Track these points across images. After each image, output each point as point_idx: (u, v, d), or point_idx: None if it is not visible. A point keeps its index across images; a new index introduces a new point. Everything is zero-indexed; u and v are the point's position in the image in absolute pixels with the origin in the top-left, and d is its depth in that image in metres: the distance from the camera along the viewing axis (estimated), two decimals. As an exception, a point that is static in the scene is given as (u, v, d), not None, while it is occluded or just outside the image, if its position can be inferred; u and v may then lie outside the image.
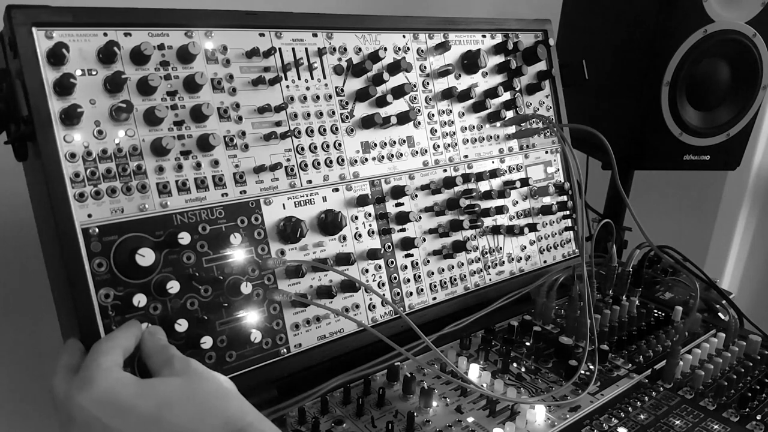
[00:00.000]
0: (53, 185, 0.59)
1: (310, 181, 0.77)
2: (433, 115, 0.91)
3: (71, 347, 0.58)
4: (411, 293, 0.86)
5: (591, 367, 0.79)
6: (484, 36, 0.97)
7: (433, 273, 0.89)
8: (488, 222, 0.95)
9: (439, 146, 0.91)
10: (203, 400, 0.52)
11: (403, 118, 0.85)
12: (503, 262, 0.98)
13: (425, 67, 0.90)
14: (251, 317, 0.70)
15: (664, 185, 1.67)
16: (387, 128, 0.85)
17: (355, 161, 0.82)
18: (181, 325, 0.64)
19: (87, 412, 0.50)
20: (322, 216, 0.77)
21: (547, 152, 1.06)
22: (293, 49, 0.77)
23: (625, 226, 1.27)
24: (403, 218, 0.85)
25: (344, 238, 0.80)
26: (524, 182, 0.98)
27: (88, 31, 0.63)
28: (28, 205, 0.69)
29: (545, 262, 1.04)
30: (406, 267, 0.86)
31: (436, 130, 0.91)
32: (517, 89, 1.00)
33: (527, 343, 0.85)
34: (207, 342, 0.66)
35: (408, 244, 0.85)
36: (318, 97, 0.79)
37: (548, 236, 1.05)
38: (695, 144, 1.19)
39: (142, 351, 0.58)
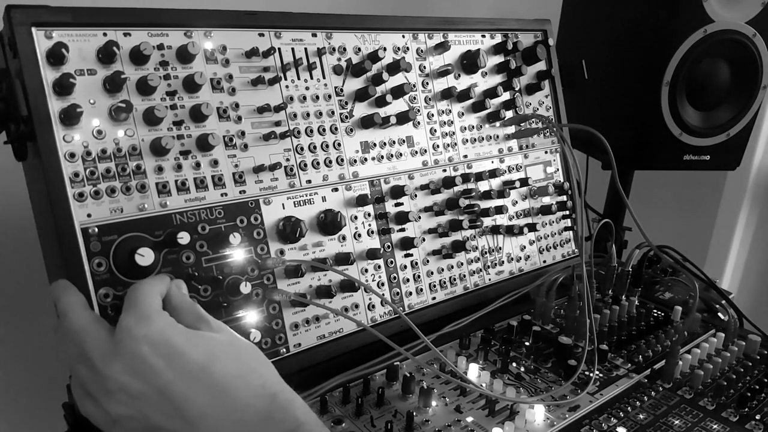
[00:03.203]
0: (53, 185, 0.59)
1: (309, 181, 0.78)
2: (432, 115, 0.91)
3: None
4: (410, 293, 0.86)
5: (592, 375, 0.78)
6: (483, 36, 0.97)
7: (432, 273, 0.89)
8: (488, 222, 0.95)
9: (438, 146, 0.91)
10: (246, 360, 0.55)
11: (403, 118, 0.85)
12: (503, 261, 0.98)
13: (425, 67, 0.90)
14: (250, 317, 0.70)
15: (664, 185, 1.67)
16: (386, 128, 0.85)
17: (355, 161, 0.82)
18: (181, 325, 0.64)
19: (139, 346, 0.51)
20: (322, 216, 0.77)
21: (546, 152, 1.06)
22: (293, 49, 0.77)
23: (625, 226, 1.27)
24: (402, 218, 0.85)
25: (344, 237, 0.80)
26: (524, 182, 0.98)
27: (87, 31, 0.63)
28: (28, 205, 0.69)
29: (545, 262, 1.04)
30: (405, 267, 0.86)
31: (435, 130, 0.91)
32: (517, 89, 1.00)
33: (526, 343, 0.85)
34: (206, 342, 0.66)
35: (407, 243, 0.85)
36: (317, 97, 0.79)
37: (548, 236, 1.05)
38: (695, 144, 1.19)
39: (170, 304, 0.58)
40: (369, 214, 0.83)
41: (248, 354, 0.57)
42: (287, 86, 0.76)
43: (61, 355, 0.55)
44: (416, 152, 0.88)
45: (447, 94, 0.91)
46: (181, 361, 0.51)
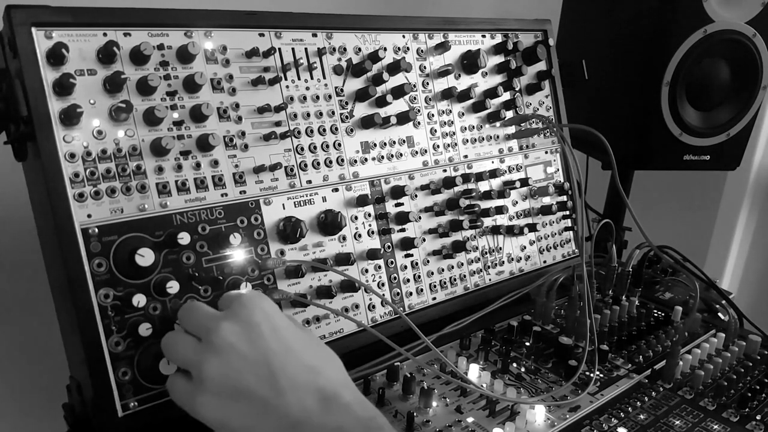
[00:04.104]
0: (53, 185, 0.59)
1: (309, 181, 0.77)
2: (432, 115, 0.91)
3: None
4: (411, 293, 0.86)
5: (592, 375, 0.78)
6: (483, 36, 0.97)
7: (432, 273, 0.89)
8: (488, 222, 0.95)
9: (438, 146, 0.91)
10: (335, 357, 0.60)
11: (403, 118, 0.85)
12: (503, 262, 0.98)
13: (425, 67, 0.90)
14: (251, 317, 0.70)
15: (664, 185, 1.67)
16: (387, 128, 0.85)
17: (355, 161, 0.82)
18: (181, 325, 0.64)
19: (254, 313, 0.56)
20: (322, 216, 0.77)
21: (546, 152, 1.06)
22: (293, 49, 0.77)
23: (625, 226, 1.27)
24: (402, 218, 0.85)
25: (344, 238, 0.80)
26: (524, 182, 0.98)
27: (87, 31, 0.63)
28: (28, 205, 0.69)
29: (545, 262, 1.04)
30: (405, 267, 0.86)
31: (435, 130, 0.91)
32: (517, 89, 1.00)
33: (527, 343, 0.85)
34: (207, 342, 0.66)
35: (408, 244, 0.85)
36: (318, 97, 0.79)
37: (548, 236, 1.05)
38: (695, 144, 1.19)
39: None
40: (369, 215, 0.83)
41: (337, 358, 0.61)
42: (287, 86, 0.76)
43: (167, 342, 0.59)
44: (416, 152, 0.88)
45: (447, 94, 0.91)
46: (284, 335, 0.56)
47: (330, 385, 0.55)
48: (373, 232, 0.83)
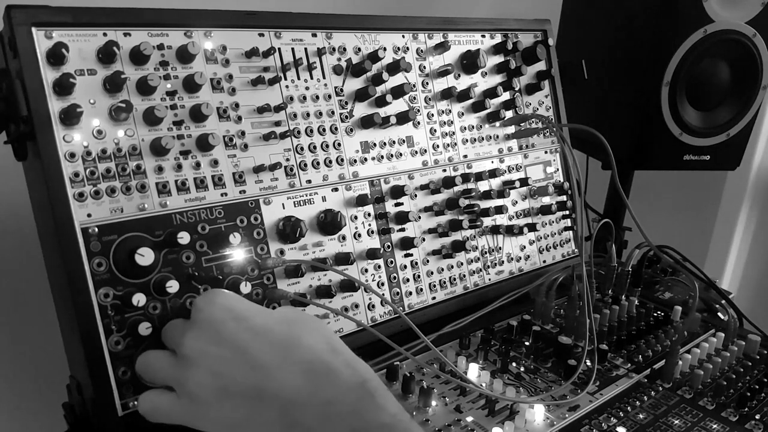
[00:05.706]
0: (53, 185, 0.59)
1: (309, 181, 0.78)
2: (432, 115, 0.91)
3: None
4: (410, 293, 0.86)
5: (589, 363, 0.78)
6: (483, 36, 0.97)
7: (432, 273, 0.89)
8: (487, 222, 0.95)
9: (438, 146, 0.91)
10: (321, 328, 0.58)
11: (403, 118, 0.85)
12: (503, 261, 0.98)
13: (425, 67, 0.90)
14: (250, 317, 0.70)
15: (664, 185, 1.67)
16: (386, 128, 0.85)
17: (355, 161, 0.82)
18: (181, 325, 0.64)
19: (214, 312, 0.56)
20: (322, 216, 0.77)
21: (546, 152, 1.06)
22: (293, 49, 0.77)
23: (625, 226, 1.27)
24: (402, 218, 0.85)
25: (343, 237, 0.80)
26: (523, 182, 0.98)
27: (87, 31, 0.63)
28: (28, 205, 0.69)
29: (545, 261, 1.04)
30: (405, 267, 0.86)
31: (435, 130, 0.91)
32: (517, 89, 1.00)
33: (526, 343, 0.85)
34: (206, 341, 0.66)
35: (407, 243, 0.85)
36: (317, 97, 0.79)
37: (548, 236, 1.05)
38: (695, 144, 1.19)
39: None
40: (369, 214, 0.83)
41: (306, 324, 0.59)
42: (287, 86, 0.77)
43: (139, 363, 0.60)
44: (416, 152, 0.89)
45: (447, 94, 0.91)
46: (251, 321, 0.55)
47: (313, 355, 0.53)
48: (372, 232, 0.83)
